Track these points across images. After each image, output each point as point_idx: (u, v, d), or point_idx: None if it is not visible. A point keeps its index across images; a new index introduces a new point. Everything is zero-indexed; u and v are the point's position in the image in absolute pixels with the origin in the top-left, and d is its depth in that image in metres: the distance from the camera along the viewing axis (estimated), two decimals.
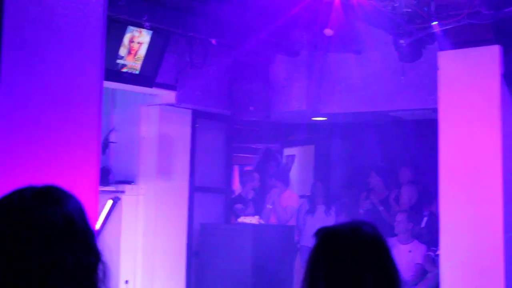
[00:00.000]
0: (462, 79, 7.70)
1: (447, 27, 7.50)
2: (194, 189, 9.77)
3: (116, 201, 9.20)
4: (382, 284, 2.16)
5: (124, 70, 8.38)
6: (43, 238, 1.76)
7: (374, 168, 10.25)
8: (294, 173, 11.93)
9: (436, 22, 7.46)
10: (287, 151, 12.34)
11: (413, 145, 10.22)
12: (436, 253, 8.62)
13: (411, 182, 9.87)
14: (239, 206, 10.46)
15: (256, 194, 10.94)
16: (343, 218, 10.21)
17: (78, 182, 5.38)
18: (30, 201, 1.82)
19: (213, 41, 8.94)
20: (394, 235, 9.09)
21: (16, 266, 1.73)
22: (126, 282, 9.15)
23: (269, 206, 10.26)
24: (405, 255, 8.97)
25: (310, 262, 2.21)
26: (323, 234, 2.26)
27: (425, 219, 9.22)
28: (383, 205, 9.93)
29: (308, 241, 10.24)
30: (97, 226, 8.23)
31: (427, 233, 9.14)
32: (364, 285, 2.13)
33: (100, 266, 1.86)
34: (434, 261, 8.70)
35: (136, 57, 8.41)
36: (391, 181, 10.20)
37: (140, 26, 8.23)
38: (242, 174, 11.71)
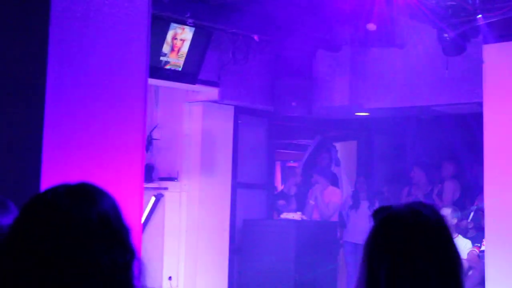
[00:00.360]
0: (507, 73, 7.61)
1: (492, 19, 7.41)
2: (237, 185, 9.78)
3: (159, 197, 9.26)
4: (446, 269, 2.11)
5: (167, 67, 8.42)
6: (77, 237, 1.75)
7: (417, 163, 10.18)
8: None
9: (481, 15, 7.38)
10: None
11: (457, 139, 10.13)
12: (481, 249, 8.54)
13: (454, 177, 9.79)
14: (281, 202, 10.46)
15: (299, 190, 10.93)
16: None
17: (123, 179, 5.42)
18: (64, 199, 1.80)
19: (256, 37, 8.95)
20: None
21: (50, 266, 1.72)
22: (170, 278, 9.20)
23: (311, 202, 10.25)
24: None
25: (369, 246, 2.15)
26: (383, 218, 2.18)
27: (471, 213, 9.12)
28: (427, 200, 9.87)
29: (351, 236, 10.22)
30: (141, 221, 8.28)
31: (473, 228, 9.06)
32: (428, 271, 2.08)
33: (136, 264, 1.83)
34: (478, 257, 8.62)
35: (179, 54, 8.45)
36: (434, 176, 10.13)
37: (183, 23, 8.26)
38: (284, 170, 11.72)
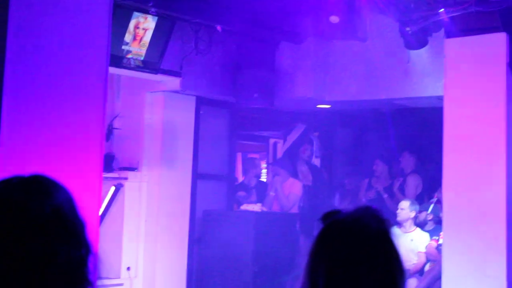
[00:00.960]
0: (468, 67, 7.67)
1: (454, 14, 7.47)
2: (197, 176, 9.76)
3: (119, 187, 9.20)
4: (385, 280, 2.06)
5: (129, 56, 8.35)
6: (31, 231, 1.72)
7: (379, 156, 10.24)
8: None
9: (443, 9, 7.43)
10: (291, 139, 12.32)
11: (418, 133, 10.21)
12: (439, 242, 8.62)
13: (416, 171, 9.86)
14: (241, 193, 10.46)
15: (259, 182, 10.94)
16: (346, 206, 10.22)
17: (82, 168, 5.37)
18: (17, 192, 1.77)
19: (219, 28, 8.91)
20: (397, 223, 9.08)
21: (4, 260, 1.69)
22: (128, 268, 9.16)
23: (272, 193, 10.26)
24: (407, 243, 8.96)
25: (311, 253, 2.12)
26: (325, 225, 2.15)
27: (431, 206, 9.19)
28: (387, 193, 9.93)
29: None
30: (100, 212, 8.22)
31: (432, 220, 9.13)
32: (366, 282, 2.04)
33: (91, 258, 1.81)
34: (437, 249, 8.69)
35: (141, 43, 8.38)
36: (395, 169, 10.20)
37: (146, 12, 8.20)
38: (245, 162, 11.70)
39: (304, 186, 10.43)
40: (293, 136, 11.48)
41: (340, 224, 2.14)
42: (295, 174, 10.60)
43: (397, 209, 9.17)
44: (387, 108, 10.08)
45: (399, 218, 9.03)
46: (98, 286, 1.83)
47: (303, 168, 10.70)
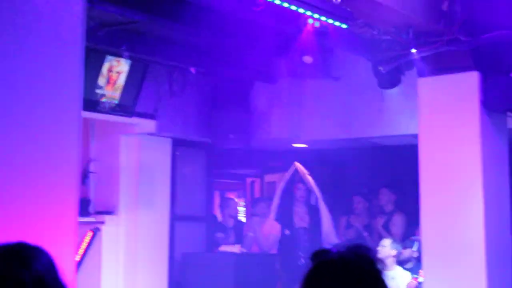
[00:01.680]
0: (442, 105, 7.72)
1: (426, 53, 7.53)
2: (175, 218, 9.70)
3: (96, 232, 9.11)
4: None
5: (103, 100, 8.33)
6: None
7: (358, 193, 10.24)
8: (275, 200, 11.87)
9: (415, 50, 7.49)
10: (268, 178, 12.29)
11: (395, 170, 10.23)
12: (419, 280, 8.59)
13: (400, 209, 9.82)
14: (220, 235, 10.39)
15: (237, 222, 10.88)
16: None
17: (57, 213, 5.31)
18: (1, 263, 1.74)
19: (193, 70, 8.93)
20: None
21: None
22: None
23: (250, 234, 10.20)
24: (388, 282, 8.90)
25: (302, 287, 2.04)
26: (315, 265, 2.06)
27: (416, 243, 9.13)
28: (367, 231, 9.91)
29: None
30: (77, 258, 8.14)
31: (418, 257, 9.06)
32: None
33: None
34: None
35: (115, 86, 8.37)
36: (373, 206, 10.19)
37: (119, 55, 8.20)
38: (222, 200, 11.64)
39: (299, 229, 10.22)
40: (286, 176, 10.73)
41: (328, 265, 2.03)
42: (288, 215, 10.38)
43: (378, 247, 9.13)
44: (363, 146, 10.11)
45: (380, 255, 8.99)
46: None
47: (299, 210, 10.38)
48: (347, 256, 2.05)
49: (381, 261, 2.10)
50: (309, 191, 10.35)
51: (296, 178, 10.46)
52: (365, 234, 9.86)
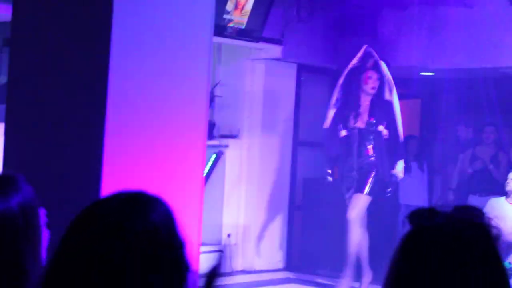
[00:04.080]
0: None
1: None
2: (298, 143, 9.73)
3: (220, 155, 9.27)
4: None
5: (231, 25, 8.36)
6: (124, 254, 1.67)
7: (490, 123, 9.92)
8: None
9: None
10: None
11: None
12: None
13: None
14: None
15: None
16: (439, 177, 10.04)
17: (186, 136, 5.42)
18: (115, 213, 1.72)
19: None
20: (505, 193, 8.84)
21: (90, 280, 1.65)
22: (229, 235, 9.24)
23: None
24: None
25: (398, 258, 1.69)
26: (418, 230, 1.70)
27: None
28: (493, 163, 9.66)
29: (407, 199, 10.12)
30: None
31: None
32: None
33: (187, 280, 1.74)
34: None
35: (242, 11, 8.38)
36: (502, 139, 9.91)
37: None
38: None
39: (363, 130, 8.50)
40: (353, 62, 8.60)
41: (433, 233, 1.68)
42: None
43: (505, 179, 8.90)
44: (495, 76, 9.80)
45: (508, 188, 8.77)
46: None
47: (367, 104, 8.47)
48: (457, 223, 1.68)
49: (496, 227, 1.70)
50: (382, 81, 8.51)
51: (367, 64, 8.52)
52: (491, 167, 9.62)
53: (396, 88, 10.12)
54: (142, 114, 5.14)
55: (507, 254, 8.61)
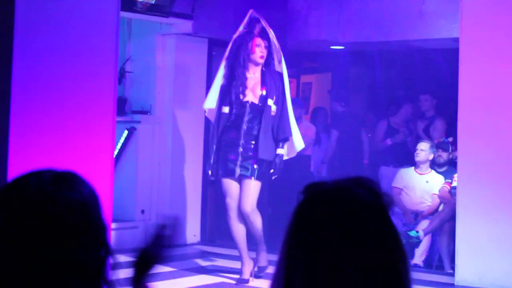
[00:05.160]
0: (485, 9, 7.54)
1: None
2: None
3: (132, 131, 9.19)
4: (379, 266, 1.59)
5: (140, 0, 8.27)
6: (55, 225, 1.69)
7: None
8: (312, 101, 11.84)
9: None
10: (304, 79, 12.21)
11: (436, 74, 10.11)
12: (452, 185, 8.60)
13: (441, 114, 9.70)
14: None
15: None
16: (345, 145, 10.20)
17: (95, 112, 5.36)
18: (48, 185, 1.73)
19: None
20: (414, 163, 9.05)
21: (26, 257, 1.67)
22: (142, 211, 9.20)
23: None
24: (422, 185, 8.96)
25: (287, 232, 1.66)
26: (308, 195, 1.67)
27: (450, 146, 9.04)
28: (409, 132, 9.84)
29: (317, 170, 10.30)
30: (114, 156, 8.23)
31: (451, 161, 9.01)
32: (354, 269, 1.57)
33: (110, 259, 1.78)
34: (450, 193, 8.68)
35: None
36: (414, 111, 10.11)
37: None
38: None
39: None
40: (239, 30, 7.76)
41: (321, 195, 1.65)
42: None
43: (414, 149, 9.09)
44: (403, 49, 9.97)
45: (418, 159, 8.96)
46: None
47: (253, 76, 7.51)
48: (346, 186, 1.65)
49: (387, 195, 1.66)
50: (270, 50, 7.65)
51: (254, 31, 7.62)
52: (409, 139, 9.79)
53: (307, 62, 10.22)
54: (48, 92, 5.06)
55: (416, 223, 8.84)
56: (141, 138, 9.24)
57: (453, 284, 7.54)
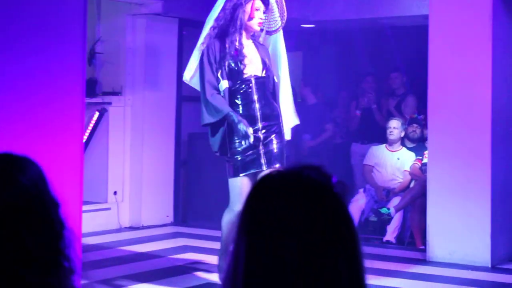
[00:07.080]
0: None
1: None
2: (182, 98, 9.69)
3: (103, 112, 9.14)
4: (325, 253, 1.49)
5: None
6: (5, 212, 1.66)
7: (368, 73, 10.11)
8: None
9: None
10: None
11: (406, 51, 10.13)
12: (423, 161, 8.65)
13: (411, 91, 9.72)
14: None
15: None
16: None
17: (64, 93, 5.31)
18: None
19: None
20: (386, 140, 9.09)
21: None
22: (115, 193, 9.18)
23: None
24: (393, 162, 9.00)
25: (237, 221, 1.58)
26: (258, 181, 1.60)
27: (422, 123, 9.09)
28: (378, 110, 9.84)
29: None
30: (84, 138, 8.19)
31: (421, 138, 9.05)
32: (298, 257, 1.48)
33: (63, 237, 1.74)
34: (421, 170, 8.73)
35: None
36: (384, 88, 10.14)
37: None
38: None
39: None
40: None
41: (270, 179, 1.56)
42: None
43: (386, 126, 9.12)
44: (374, 27, 9.98)
45: (391, 137, 9.00)
46: (75, 260, 1.78)
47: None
48: (296, 171, 1.56)
49: (343, 182, 1.57)
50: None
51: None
52: (374, 106, 9.76)
53: None
54: (14, 74, 5.00)
55: (388, 200, 8.89)
56: (112, 120, 9.19)
57: (424, 260, 7.60)
